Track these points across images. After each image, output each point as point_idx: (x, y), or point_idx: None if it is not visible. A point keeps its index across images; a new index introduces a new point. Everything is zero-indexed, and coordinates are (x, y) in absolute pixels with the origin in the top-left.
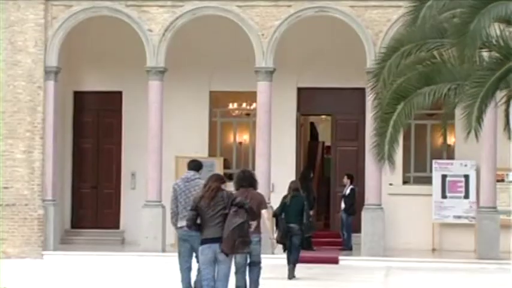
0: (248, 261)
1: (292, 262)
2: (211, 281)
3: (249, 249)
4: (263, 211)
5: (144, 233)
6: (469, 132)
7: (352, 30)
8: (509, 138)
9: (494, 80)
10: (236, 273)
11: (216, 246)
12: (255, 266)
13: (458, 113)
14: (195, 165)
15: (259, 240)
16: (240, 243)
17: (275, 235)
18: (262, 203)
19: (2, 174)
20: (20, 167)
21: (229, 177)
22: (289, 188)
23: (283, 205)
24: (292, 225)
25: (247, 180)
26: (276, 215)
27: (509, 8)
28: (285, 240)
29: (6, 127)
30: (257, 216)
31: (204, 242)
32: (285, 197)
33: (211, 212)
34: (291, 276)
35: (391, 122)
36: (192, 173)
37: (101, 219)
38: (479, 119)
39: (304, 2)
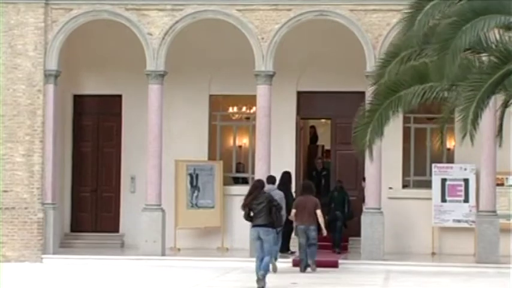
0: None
1: (338, 239)
2: (260, 250)
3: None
4: (318, 211)
5: (144, 237)
6: (464, 136)
7: (352, 34)
8: (500, 145)
9: (491, 83)
10: (299, 250)
11: (260, 229)
12: (312, 245)
13: (457, 116)
14: (272, 180)
15: (315, 229)
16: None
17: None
18: (317, 205)
19: (1, 178)
20: (19, 171)
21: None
22: (336, 186)
23: (331, 197)
24: (337, 212)
25: (307, 189)
26: (325, 204)
27: (490, 22)
28: (332, 223)
29: (5, 131)
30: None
31: (253, 226)
32: (332, 192)
33: (257, 208)
34: (338, 252)
35: (376, 115)
36: (270, 186)
37: (101, 222)
38: (475, 123)
39: (304, 5)
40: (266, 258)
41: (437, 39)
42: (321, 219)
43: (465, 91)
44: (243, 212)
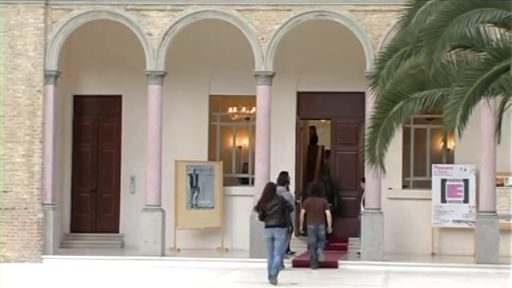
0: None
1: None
2: (271, 249)
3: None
4: (327, 211)
5: (144, 237)
6: (452, 130)
7: (352, 34)
8: (499, 142)
9: (483, 80)
10: (309, 249)
11: (273, 229)
12: (321, 243)
13: (446, 110)
14: (282, 181)
15: (324, 229)
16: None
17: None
18: (325, 205)
19: (1, 178)
20: (19, 171)
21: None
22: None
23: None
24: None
25: (316, 191)
26: None
27: (486, 15)
28: None
29: (5, 131)
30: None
31: (267, 227)
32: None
33: (271, 210)
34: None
35: (381, 129)
36: (280, 187)
37: (101, 223)
38: (464, 118)
39: (304, 6)
40: (277, 258)
41: (432, 26)
42: (329, 219)
43: (457, 86)
44: (243, 212)
